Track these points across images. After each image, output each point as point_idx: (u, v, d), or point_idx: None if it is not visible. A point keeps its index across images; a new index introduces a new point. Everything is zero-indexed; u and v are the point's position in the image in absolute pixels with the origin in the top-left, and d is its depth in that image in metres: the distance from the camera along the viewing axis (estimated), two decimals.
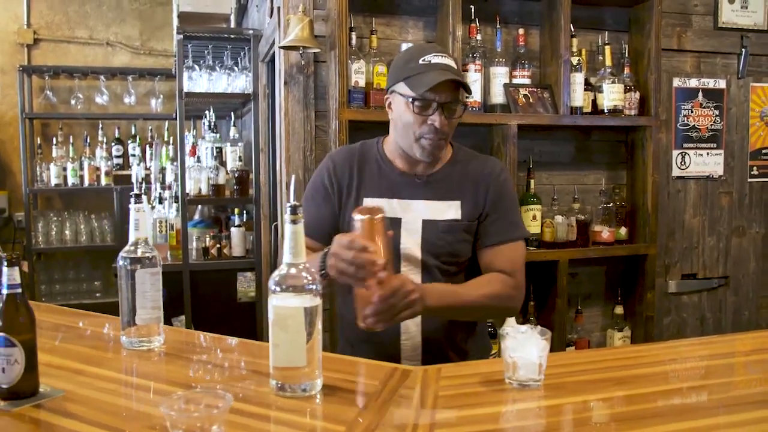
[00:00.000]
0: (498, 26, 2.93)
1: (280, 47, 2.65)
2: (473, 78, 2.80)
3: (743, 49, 3.41)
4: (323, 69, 2.80)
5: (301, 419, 1.16)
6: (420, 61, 1.74)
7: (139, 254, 1.58)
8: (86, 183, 5.29)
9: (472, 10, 2.83)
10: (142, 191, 4.69)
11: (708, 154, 3.41)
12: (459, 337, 1.88)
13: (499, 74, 2.89)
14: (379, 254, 1.50)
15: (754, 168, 3.52)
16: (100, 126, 5.47)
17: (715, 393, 1.32)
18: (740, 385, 1.38)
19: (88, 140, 5.44)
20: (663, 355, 1.65)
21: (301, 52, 2.68)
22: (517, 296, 1.84)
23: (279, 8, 2.82)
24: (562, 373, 1.39)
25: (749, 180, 3.51)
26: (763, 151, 3.53)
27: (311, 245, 1.81)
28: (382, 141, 1.96)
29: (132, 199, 1.60)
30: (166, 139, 5.48)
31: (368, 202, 1.85)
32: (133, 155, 5.46)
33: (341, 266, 1.52)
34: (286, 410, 1.19)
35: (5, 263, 1.24)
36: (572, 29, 2.93)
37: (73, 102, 5.43)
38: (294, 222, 1.27)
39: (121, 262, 1.58)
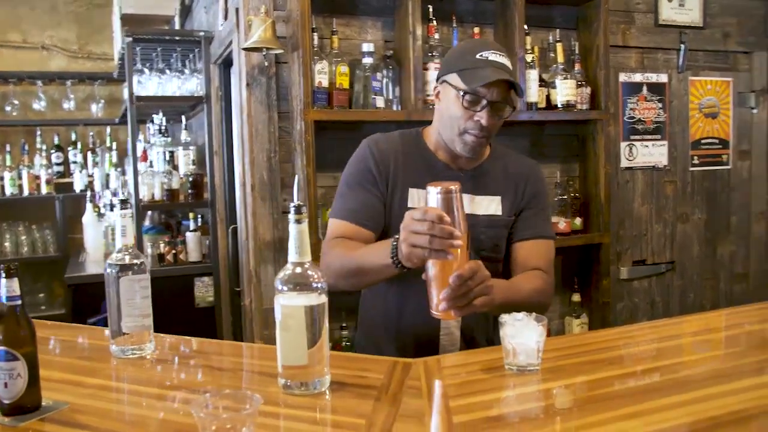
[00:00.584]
0: (454, 25, 2.99)
1: (244, 49, 2.64)
2: (433, 76, 2.85)
3: (682, 45, 3.58)
4: (285, 70, 2.80)
5: (320, 415, 1.18)
6: (477, 56, 1.72)
7: (126, 261, 1.56)
8: (26, 192, 5.13)
9: (430, 10, 2.88)
10: (87, 198, 4.58)
11: (653, 145, 3.56)
12: (490, 331, 1.91)
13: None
14: (456, 226, 1.41)
15: (695, 158, 3.69)
16: (38, 133, 5.31)
17: (706, 366, 1.40)
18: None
19: (26, 148, 5.27)
20: (646, 334, 1.74)
21: (264, 53, 2.68)
22: (552, 293, 1.88)
23: (237, 9, 2.81)
24: (556, 356, 1.45)
25: (691, 169, 3.68)
26: (703, 142, 3.71)
27: (364, 235, 1.78)
28: (422, 132, 1.93)
29: (118, 205, 1.58)
30: (108, 144, 5.35)
31: (414, 193, 1.81)
32: (75, 162, 5.32)
33: (415, 240, 1.41)
34: (301, 408, 1.20)
35: (3, 274, 1.21)
36: (525, 27, 3.01)
37: (8, 108, 5.26)
38: (299, 222, 1.29)
39: (108, 270, 1.56)
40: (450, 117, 1.77)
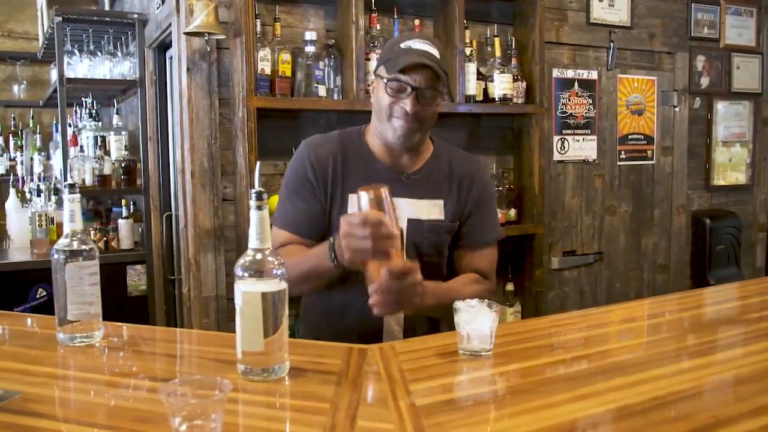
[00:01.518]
0: (395, 17, 3.02)
1: (186, 33, 2.59)
2: (374, 66, 2.87)
3: (611, 44, 3.72)
4: (226, 56, 2.77)
5: (284, 400, 1.20)
6: (402, 45, 1.74)
7: (75, 247, 1.53)
8: None
9: (372, 1, 2.90)
10: (10, 183, 4.39)
11: (584, 139, 3.69)
12: (429, 331, 1.89)
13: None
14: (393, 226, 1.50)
15: (622, 152, 3.85)
16: None
17: (649, 350, 1.48)
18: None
19: None
20: (581, 322, 1.82)
21: (206, 38, 2.64)
22: (492, 296, 1.89)
23: None
24: (505, 342, 1.51)
25: (618, 163, 3.84)
26: (629, 137, 3.87)
27: (302, 242, 1.78)
28: (364, 131, 1.91)
29: (66, 189, 1.54)
30: (32, 127, 5.14)
31: (353, 199, 1.77)
32: None
33: (357, 244, 1.49)
34: (262, 393, 1.21)
35: None
36: (465, 21, 3.07)
37: None
38: (259, 208, 1.29)
39: (55, 256, 1.52)
40: (380, 106, 1.79)
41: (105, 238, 3.76)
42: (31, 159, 4.77)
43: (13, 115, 5.25)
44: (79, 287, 1.55)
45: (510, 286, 3.42)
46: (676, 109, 4.03)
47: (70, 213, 1.55)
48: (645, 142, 3.93)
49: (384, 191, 1.53)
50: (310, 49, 2.76)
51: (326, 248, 1.63)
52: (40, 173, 4.59)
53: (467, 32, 3.12)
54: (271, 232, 1.77)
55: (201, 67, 2.71)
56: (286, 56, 2.72)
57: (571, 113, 3.64)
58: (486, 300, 1.45)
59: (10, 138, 5.12)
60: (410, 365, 1.37)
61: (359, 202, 1.54)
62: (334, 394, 1.19)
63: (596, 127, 3.73)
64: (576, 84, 3.64)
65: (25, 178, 4.51)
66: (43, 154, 4.80)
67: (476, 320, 1.40)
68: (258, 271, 1.28)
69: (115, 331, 1.62)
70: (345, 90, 2.84)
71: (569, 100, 3.62)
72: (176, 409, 1.00)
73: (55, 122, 4.86)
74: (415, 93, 1.73)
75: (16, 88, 5.20)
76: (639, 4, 3.81)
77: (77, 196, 1.56)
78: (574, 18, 3.61)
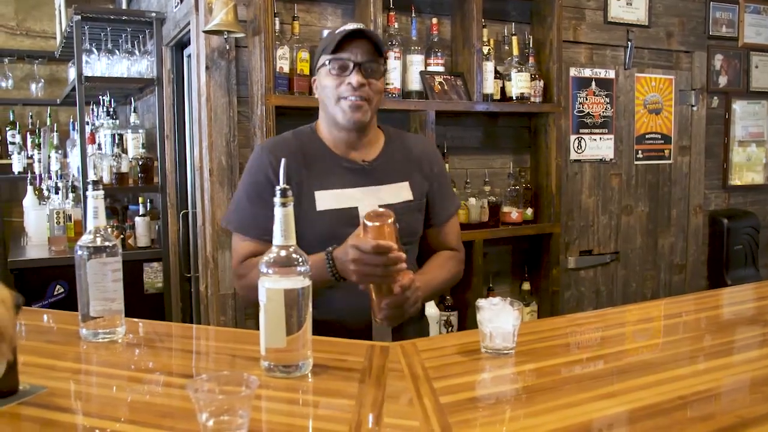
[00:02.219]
0: (413, 15, 3.01)
1: (205, 31, 2.60)
2: (392, 65, 2.88)
3: (629, 42, 3.70)
4: (245, 54, 2.78)
5: (309, 397, 1.20)
6: (336, 32, 1.80)
7: (98, 243, 1.54)
8: None
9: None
10: (28, 180, 4.42)
11: (601, 138, 3.68)
12: (417, 323, 1.95)
13: (416, 62, 2.98)
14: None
15: (639, 152, 3.83)
16: None
17: (678, 348, 1.47)
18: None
19: None
20: (598, 322, 1.81)
21: (225, 36, 2.65)
22: (463, 268, 2.02)
23: None
24: (529, 341, 1.50)
25: (635, 162, 3.82)
26: (647, 136, 3.85)
27: (258, 248, 1.78)
28: (315, 127, 1.92)
29: (89, 186, 1.55)
30: (49, 125, 5.18)
31: (320, 195, 1.81)
32: (13, 143, 5.12)
33: (368, 271, 1.57)
34: (287, 390, 1.21)
35: None
36: (483, 20, 3.06)
37: None
38: (284, 205, 1.29)
39: (79, 252, 1.53)
40: (326, 94, 1.81)
41: (122, 236, 3.78)
42: (49, 157, 4.80)
43: (30, 114, 5.29)
44: (102, 283, 1.56)
45: (526, 286, 3.41)
46: (694, 109, 4.00)
47: (94, 209, 1.56)
48: (662, 141, 3.91)
49: (391, 219, 1.58)
50: None
51: (323, 263, 1.66)
52: (57, 171, 4.62)
53: (485, 31, 3.11)
54: (233, 240, 1.86)
55: (220, 66, 2.72)
56: (304, 54, 2.73)
57: (588, 112, 3.62)
58: (509, 298, 1.45)
59: (28, 136, 5.15)
60: (433, 363, 1.37)
61: (367, 228, 1.57)
62: (359, 392, 1.19)
63: (613, 126, 3.72)
64: (593, 83, 3.63)
65: (42, 175, 4.53)
66: (60, 152, 4.82)
67: (499, 318, 1.40)
68: (283, 267, 1.28)
69: (136, 328, 1.63)
70: None
71: (586, 99, 3.61)
72: (204, 405, 1.01)
73: (72, 120, 4.89)
74: (358, 67, 1.76)
75: (33, 86, 5.24)
76: (657, 3, 3.79)
77: (101, 192, 1.56)
78: (592, 17, 3.59)
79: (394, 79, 2.87)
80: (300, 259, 1.29)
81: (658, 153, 3.90)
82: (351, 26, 1.79)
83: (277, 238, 1.30)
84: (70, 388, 1.23)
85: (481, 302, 1.43)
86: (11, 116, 5.17)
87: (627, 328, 1.73)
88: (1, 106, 5.20)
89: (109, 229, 3.58)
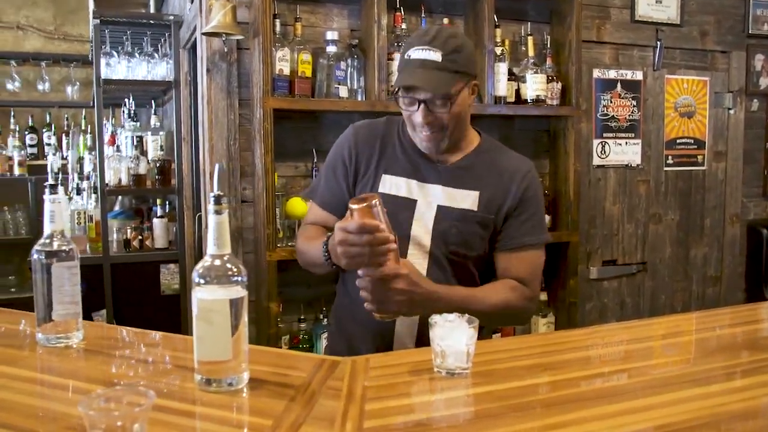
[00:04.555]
0: (423, 15, 2.93)
1: (203, 33, 2.58)
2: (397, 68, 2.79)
3: (658, 42, 3.53)
4: (246, 56, 2.74)
5: (227, 414, 1.13)
6: (406, 55, 1.70)
7: (55, 247, 1.51)
8: None
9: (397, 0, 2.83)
10: (59, 182, 4.50)
11: (626, 143, 3.52)
12: None
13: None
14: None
15: (669, 157, 3.65)
16: (12, 114, 5.22)
17: (635, 376, 1.36)
18: (659, 367, 1.43)
19: None
20: (586, 340, 1.70)
21: (223, 39, 2.62)
22: (531, 307, 1.82)
23: None
24: (491, 360, 1.41)
25: (665, 169, 3.64)
26: (678, 141, 3.67)
27: (331, 222, 1.81)
28: (395, 120, 1.91)
29: (47, 190, 1.53)
30: (83, 127, 5.27)
31: (387, 179, 1.81)
32: (49, 144, 5.24)
33: (353, 251, 1.52)
34: (211, 405, 1.16)
35: None
36: (495, 20, 2.96)
37: None
38: (218, 212, 1.23)
39: (35, 256, 1.50)
40: (404, 116, 1.79)
41: (140, 237, 3.80)
42: (81, 158, 4.88)
43: (66, 116, 5.40)
44: (64, 287, 1.53)
45: (543, 296, 3.28)
46: (731, 112, 3.80)
47: (51, 213, 1.53)
48: (695, 146, 3.72)
49: (375, 200, 1.52)
50: (331, 49, 2.71)
51: (320, 246, 1.68)
52: (89, 172, 4.69)
53: (500, 31, 3.01)
54: (309, 203, 1.97)
55: (220, 68, 2.69)
56: (306, 56, 2.68)
57: (612, 116, 3.47)
58: (467, 315, 1.36)
59: (63, 138, 5.26)
60: (378, 382, 1.29)
61: (353, 213, 1.52)
62: (282, 411, 1.12)
63: (641, 130, 3.55)
64: (619, 85, 3.47)
65: (71, 176, 4.62)
66: (93, 153, 4.90)
67: (452, 336, 1.31)
68: (216, 277, 1.22)
69: (95, 332, 1.60)
70: (368, 91, 2.78)
71: (611, 102, 3.46)
72: (96, 421, 0.96)
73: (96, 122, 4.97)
74: (424, 104, 1.68)
75: (69, 89, 5.34)
76: (690, 1, 3.61)
77: (58, 196, 1.54)
78: (618, 15, 3.44)
79: None
80: (234, 269, 1.23)
81: (691, 159, 3.71)
82: (417, 53, 1.67)
83: (211, 247, 1.24)
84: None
85: (434, 318, 1.34)
86: (48, 118, 5.29)
87: (606, 349, 1.61)
88: (38, 108, 5.32)
89: (128, 230, 3.63)
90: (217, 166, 1.41)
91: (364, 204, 1.51)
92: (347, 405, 1.16)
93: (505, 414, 1.15)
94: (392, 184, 1.80)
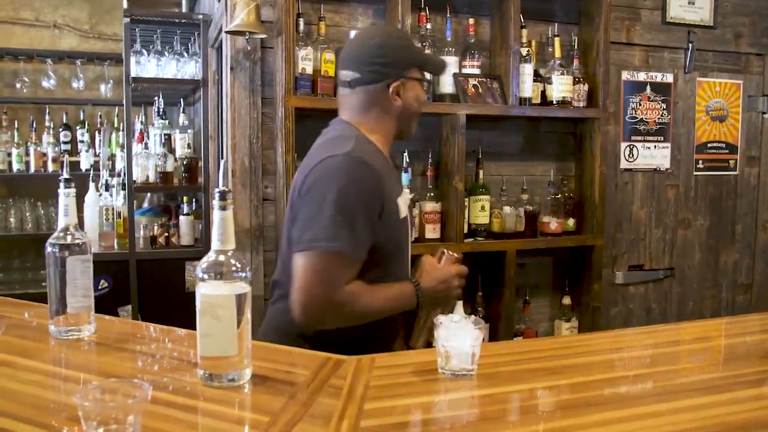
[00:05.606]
0: (448, 15, 2.91)
1: (227, 32, 2.60)
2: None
3: (690, 44, 3.46)
4: (270, 55, 2.76)
5: (227, 410, 1.13)
6: (418, 46, 1.96)
7: (68, 241, 1.53)
8: (32, 169, 5.14)
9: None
10: (90, 177, 4.58)
11: (655, 147, 3.45)
12: None
13: (449, 64, 2.86)
14: None
15: (700, 161, 3.58)
16: (47, 111, 5.31)
17: (643, 382, 1.33)
18: (683, 373, 1.40)
19: (35, 125, 5.28)
20: (601, 344, 1.67)
21: (247, 37, 2.64)
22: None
23: None
24: (497, 363, 1.39)
25: (695, 173, 3.57)
26: (709, 145, 3.59)
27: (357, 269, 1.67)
28: (367, 138, 1.79)
29: (61, 184, 1.55)
30: (116, 125, 5.35)
31: (399, 203, 1.80)
32: (82, 141, 5.31)
33: (454, 292, 1.84)
34: (212, 400, 1.16)
35: None
36: (522, 20, 2.93)
37: (18, 86, 5.25)
38: (223, 208, 1.24)
39: (49, 249, 1.53)
40: (417, 106, 1.85)
41: (166, 234, 3.84)
42: (113, 155, 4.95)
43: (100, 113, 5.48)
44: (78, 280, 1.55)
45: (567, 300, 3.24)
46: (765, 116, 3.71)
47: (65, 207, 1.56)
48: (727, 151, 3.64)
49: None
50: None
51: (412, 292, 1.75)
52: (120, 169, 4.76)
53: (526, 31, 2.98)
54: (333, 264, 1.62)
55: (244, 66, 2.71)
56: (329, 56, 2.68)
57: (641, 119, 3.41)
58: (473, 316, 1.34)
59: (96, 135, 5.34)
60: (381, 381, 1.28)
61: (444, 257, 1.85)
62: (281, 408, 1.12)
63: (670, 133, 3.49)
64: (648, 87, 3.41)
65: (102, 173, 4.68)
66: (124, 150, 4.97)
67: (456, 337, 1.29)
68: (220, 273, 1.22)
69: (107, 326, 1.62)
70: None
71: (640, 105, 3.40)
72: (91, 414, 0.96)
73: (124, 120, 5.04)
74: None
75: (103, 87, 5.42)
76: (724, 2, 3.53)
77: (72, 190, 1.57)
78: (648, 17, 3.38)
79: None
80: (239, 265, 1.23)
81: (722, 163, 3.63)
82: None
83: (215, 243, 1.24)
84: (10, 387, 1.21)
85: (440, 319, 1.33)
86: (82, 115, 5.38)
87: (618, 354, 1.58)
88: (72, 106, 5.40)
89: (155, 227, 3.67)
90: (221, 162, 1.40)
91: (453, 253, 1.87)
92: (346, 404, 1.15)
93: (506, 417, 1.13)
94: (402, 206, 1.84)
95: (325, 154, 1.69)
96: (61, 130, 5.35)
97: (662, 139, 3.47)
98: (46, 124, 5.29)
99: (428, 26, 2.84)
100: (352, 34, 2.72)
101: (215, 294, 1.22)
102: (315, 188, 1.66)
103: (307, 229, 1.63)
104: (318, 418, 1.10)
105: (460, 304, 3.01)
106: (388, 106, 1.80)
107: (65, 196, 1.55)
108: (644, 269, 3.51)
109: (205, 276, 1.23)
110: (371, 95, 1.79)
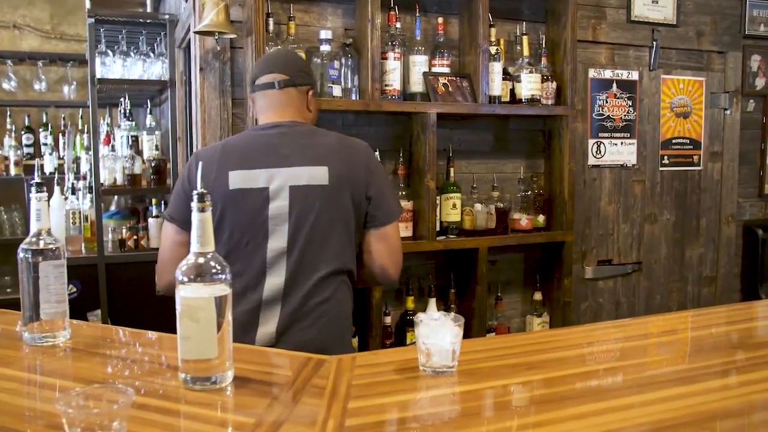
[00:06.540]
0: (417, 14, 2.93)
1: (195, 32, 2.57)
2: (392, 66, 2.79)
3: (654, 42, 3.53)
4: (240, 55, 2.74)
5: (210, 413, 1.13)
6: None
7: (41, 246, 1.51)
8: None
9: None
10: (55, 180, 4.50)
11: (622, 143, 3.51)
12: None
13: (419, 63, 2.89)
14: None
15: (665, 157, 3.65)
16: (8, 113, 5.22)
17: (619, 375, 1.35)
18: (653, 365, 1.43)
19: None
20: (576, 338, 1.69)
21: (216, 37, 2.62)
22: None
23: None
24: (477, 359, 1.41)
25: (660, 169, 3.64)
26: (673, 141, 3.66)
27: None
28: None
29: (33, 188, 1.52)
30: (80, 127, 5.27)
31: None
32: (45, 144, 5.23)
33: None
34: (195, 404, 1.15)
35: None
36: (491, 19, 2.95)
37: None
38: (202, 210, 1.23)
39: (21, 255, 1.50)
40: (314, 117, 2.10)
41: (135, 237, 3.79)
42: (78, 158, 4.87)
43: (63, 115, 5.39)
44: (51, 285, 1.53)
45: (538, 296, 3.28)
46: (727, 112, 3.80)
47: (37, 211, 1.53)
48: (691, 146, 3.72)
49: None
50: (325, 48, 2.70)
51: None
52: (85, 172, 4.68)
53: (494, 30, 3.01)
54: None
55: (213, 67, 2.69)
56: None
57: (608, 115, 3.47)
58: (453, 313, 1.36)
59: (60, 137, 5.25)
60: (363, 380, 1.29)
61: None
62: (265, 409, 1.12)
63: (636, 130, 3.55)
64: (614, 85, 3.47)
65: (67, 176, 4.60)
66: (89, 153, 4.89)
67: (437, 335, 1.31)
68: (200, 275, 1.22)
69: (82, 332, 1.59)
70: (362, 90, 2.77)
71: (606, 102, 3.45)
72: (74, 420, 0.95)
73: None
74: None
75: (66, 89, 5.33)
76: (686, 1, 3.60)
77: (44, 194, 1.54)
78: (614, 15, 3.44)
79: (393, 80, 2.79)
80: (218, 267, 1.23)
81: (686, 159, 3.71)
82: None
83: (195, 245, 1.23)
84: None
85: (419, 316, 1.34)
86: (44, 118, 5.28)
87: (595, 347, 1.60)
88: (34, 108, 5.31)
89: (123, 230, 3.62)
90: (200, 164, 1.38)
91: None
92: (330, 403, 1.16)
93: (488, 414, 1.15)
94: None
95: (358, 141, 2.02)
96: (23, 132, 5.25)
97: (628, 135, 3.53)
98: (8, 126, 5.20)
99: (398, 25, 2.84)
100: (322, 33, 2.71)
101: (195, 297, 1.22)
102: (378, 169, 1.99)
103: (393, 202, 2.00)
104: (303, 418, 1.10)
105: (433, 301, 3.05)
106: (310, 109, 2.04)
107: (37, 200, 1.52)
108: (613, 264, 3.56)
109: (185, 279, 1.22)
110: (300, 97, 1.99)
